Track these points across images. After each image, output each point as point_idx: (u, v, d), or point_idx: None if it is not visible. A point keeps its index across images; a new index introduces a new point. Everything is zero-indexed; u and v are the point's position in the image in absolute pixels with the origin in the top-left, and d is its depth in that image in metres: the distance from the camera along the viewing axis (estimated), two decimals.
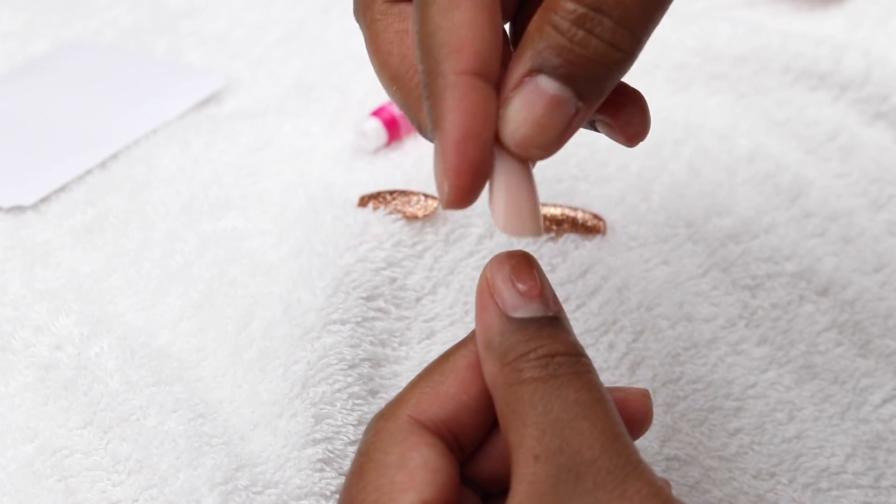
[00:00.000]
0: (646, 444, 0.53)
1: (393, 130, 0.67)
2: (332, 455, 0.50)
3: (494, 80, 0.40)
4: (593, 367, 0.42)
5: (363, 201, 0.60)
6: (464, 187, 0.39)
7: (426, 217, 0.60)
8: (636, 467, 0.40)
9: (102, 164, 0.66)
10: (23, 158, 0.67)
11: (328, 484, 0.50)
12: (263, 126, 0.68)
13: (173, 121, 0.68)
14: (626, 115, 0.44)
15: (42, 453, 0.52)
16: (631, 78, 0.43)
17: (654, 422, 0.53)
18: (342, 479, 0.50)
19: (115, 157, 0.66)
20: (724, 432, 0.54)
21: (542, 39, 0.39)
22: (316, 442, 0.50)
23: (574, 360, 0.41)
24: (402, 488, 0.41)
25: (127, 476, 0.51)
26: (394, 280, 0.57)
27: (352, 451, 0.50)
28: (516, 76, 0.40)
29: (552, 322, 0.42)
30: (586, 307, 0.57)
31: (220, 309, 0.57)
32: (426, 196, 0.60)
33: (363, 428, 0.51)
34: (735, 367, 0.57)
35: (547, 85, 0.39)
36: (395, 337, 0.56)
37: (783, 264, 0.59)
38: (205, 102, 0.70)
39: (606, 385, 0.43)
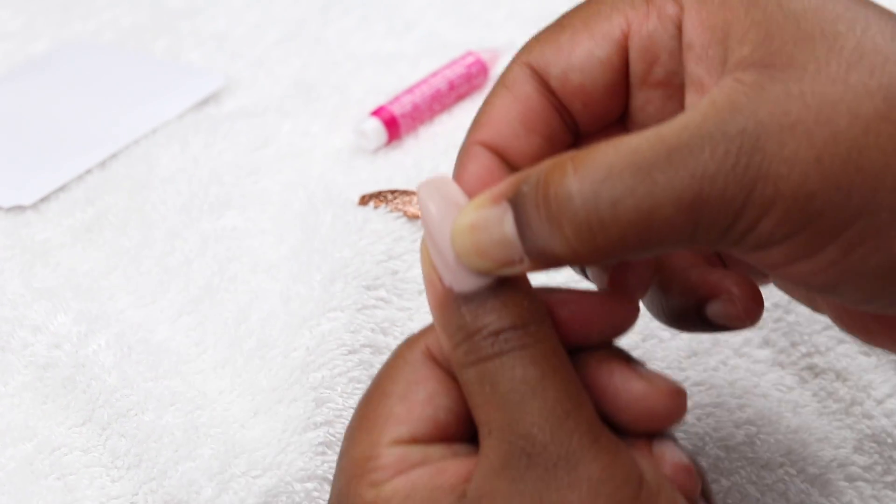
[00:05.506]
0: None
1: (393, 130, 0.67)
2: (333, 439, 0.50)
3: (505, 152, 0.44)
4: (545, 334, 0.41)
5: (364, 200, 0.60)
6: None
7: None
8: (589, 449, 0.39)
9: (102, 164, 0.66)
10: (22, 158, 0.67)
11: (331, 468, 0.49)
12: (263, 125, 0.68)
13: (173, 120, 0.69)
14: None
15: (41, 452, 0.52)
16: None
17: None
18: None
19: (114, 156, 0.67)
20: (730, 423, 0.54)
21: (536, 198, 0.39)
22: (317, 425, 0.50)
23: (521, 333, 0.40)
24: (397, 421, 0.41)
25: (126, 471, 0.51)
26: (395, 272, 0.57)
27: None
28: (502, 190, 0.40)
29: (498, 290, 0.41)
30: None
31: (220, 304, 0.57)
32: None
33: None
34: (737, 369, 0.57)
35: (508, 225, 0.40)
36: (397, 326, 0.56)
37: None
38: (204, 102, 0.71)
39: None
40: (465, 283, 0.41)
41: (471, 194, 0.42)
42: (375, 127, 0.66)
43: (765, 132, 0.38)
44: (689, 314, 0.45)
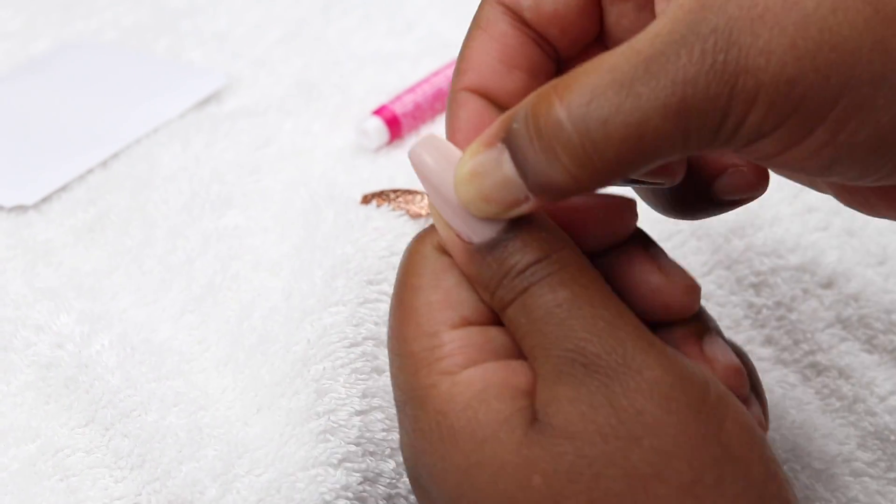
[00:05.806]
0: None
1: (394, 129, 0.67)
2: (336, 425, 0.50)
3: (492, 94, 0.44)
4: (568, 258, 0.41)
5: (366, 199, 0.60)
6: None
7: (430, 215, 0.59)
8: (647, 353, 0.39)
9: (104, 163, 0.66)
10: (24, 158, 0.67)
11: (334, 453, 0.49)
12: (265, 125, 0.68)
13: (174, 119, 0.69)
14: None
15: (44, 453, 0.52)
16: None
17: None
18: (349, 447, 0.49)
19: (116, 155, 0.66)
20: None
21: (528, 132, 0.39)
22: (319, 415, 0.50)
23: (545, 264, 0.41)
24: (440, 307, 0.42)
25: (129, 472, 0.51)
26: (397, 268, 0.57)
27: (357, 420, 0.50)
28: (494, 132, 0.40)
29: (516, 230, 0.41)
30: None
31: (223, 302, 0.57)
32: None
33: (369, 400, 0.51)
34: None
35: (507, 166, 0.40)
36: None
37: (787, 257, 0.59)
38: (206, 101, 0.71)
39: None
40: (482, 232, 0.41)
41: (466, 141, 0.42)
42: (377, 126, 0.66)
43: (736, 26, 0.38)
44: (697, 196, 0.45)
